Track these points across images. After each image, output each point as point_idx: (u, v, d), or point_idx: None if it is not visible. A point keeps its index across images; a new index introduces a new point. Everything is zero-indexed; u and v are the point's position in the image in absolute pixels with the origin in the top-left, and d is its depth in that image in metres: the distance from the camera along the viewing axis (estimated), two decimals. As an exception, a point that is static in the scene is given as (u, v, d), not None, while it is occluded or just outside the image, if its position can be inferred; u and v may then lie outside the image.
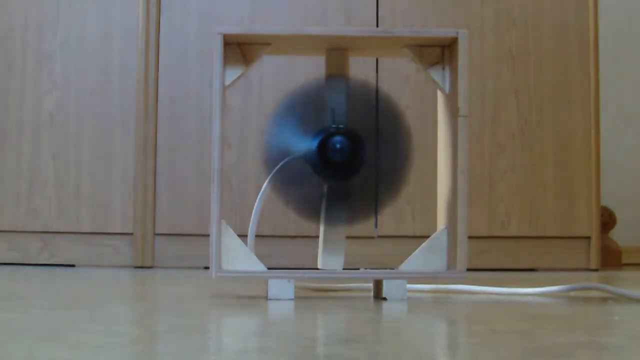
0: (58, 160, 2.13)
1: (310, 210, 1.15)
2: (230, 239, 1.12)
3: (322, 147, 1.12)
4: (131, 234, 2.13)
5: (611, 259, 2.53)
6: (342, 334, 0.74)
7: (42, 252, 2.13)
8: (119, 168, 2.13)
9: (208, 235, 2.12)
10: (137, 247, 2.12)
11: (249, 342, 0.67)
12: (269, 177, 1.14)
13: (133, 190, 2.13)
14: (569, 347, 0.66)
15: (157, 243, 2.13)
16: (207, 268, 2.10)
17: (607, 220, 2.57)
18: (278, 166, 1.14)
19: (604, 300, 1.14)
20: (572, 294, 1.25)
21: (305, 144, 1.13)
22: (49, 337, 0.69)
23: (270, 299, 1.10)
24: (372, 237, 2.15)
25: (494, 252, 2.17)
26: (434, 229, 2.11)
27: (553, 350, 0.63)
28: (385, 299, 1.13)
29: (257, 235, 2.11)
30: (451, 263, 1.14)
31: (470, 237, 2.15)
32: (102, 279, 1.56)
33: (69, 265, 2.12)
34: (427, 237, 2.08)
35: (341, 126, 1.13)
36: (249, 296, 1.16)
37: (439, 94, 1.21)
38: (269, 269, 1.13)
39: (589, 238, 2.18)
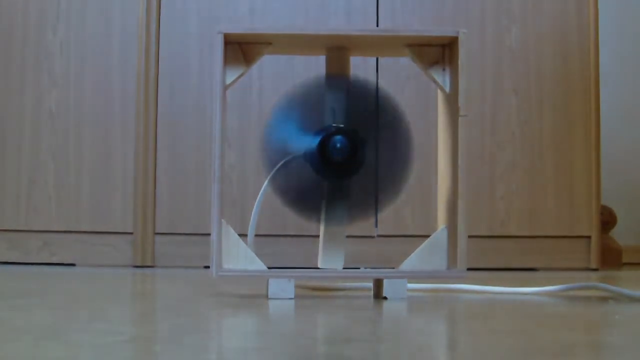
0: (58, 160, 2.13)
1: (310, 210, 1.15)
2: (231, 238, 1.12)
3: (323, 146, 1.12)
4: (131, 233, 2.13)
5: (611, 258, 2.53)
6: (343, 333, 0.74)
7: (42, 251, 2.13)
8: (119, 167, 2.14)
9: (208, 235, 2.12)
10: (137, 247, 2.12)
11: (249, 342, 0.67)
12: (269, 177, 1.14)
13: (133, 189, 2.13)
14: (569, 346, 0.66)
15: (157, 242, 2.13)
16: (207, 267, 2.10)
17: (608, 219, 2.57)
18: (278, 165, 1.14)
19: (605, 299, 1.14)
20: (572, 293, 1.25)
21: (305, 143, 1.13)
22: (49, 336, 0.69)
23: (271, 298, 1.10)
24: (372, 237, 2.15)
25: (494, 251, 2.17)
26: (434, 228, 2.11)
27: (553, 350, 0.63)
28: (385, 298, 1.13)
29: (257, 235, 2.11)
30: (451, 262, 1.14)
31: (470, 237, 2.15)
32: (102, 278, 1.56)
33: (69, 265, 2.12)
34: (427, 236, 2.08)
35: (341, 125, 1.13)
36: (249, 295, 1.16)
37: (439, 93, 1.21)
38: (269, 268, 1.13)
39: (589, 237, 2.18)
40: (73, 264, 2.13)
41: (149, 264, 2.12)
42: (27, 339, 0.66)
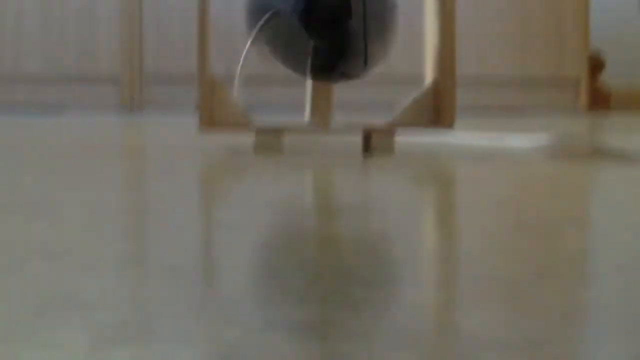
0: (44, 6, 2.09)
1: (298, 65, 1.14)
2: (218, 91, 1.11)
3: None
4: (118, 78, 2.11)
5: (600, 101, 2.53)
6: (330, 201, 0.74)
7: (30, 95, 2.12)
8: (104, 11, 2.10)
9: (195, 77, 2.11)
10: (125, 90, 2.11)
11: (233, 214, 0.67)
12: (254, 32, 1.12)
13: (119, 31, 2.10)
14: (555, 223, 0.66)
15: (145, 86, 2.12)
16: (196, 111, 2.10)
17: (596, 62, 2.56)
18: (263, 20, 1.11)
19: (591, 156, 1.15)
20: (562, 144, 1.25)
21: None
22: (39, 213, 0.69)
23: (258, 153, 1.10)
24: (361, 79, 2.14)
25: (485, 92, 2.17)
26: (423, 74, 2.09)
27: (538, 226, 0.64)
28: (373, 153, 1.13)
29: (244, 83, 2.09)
30: (440, 115, 1.14)
31: (461, 79, 2.14)
32: (89, 129, 1.55)
33: (58, 107, 2.11)
34: (416, 83, 2.07)
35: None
36: (236, 150, 1.16)
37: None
38: (256, 121, 1.12)
39: (577, 79, 2.18)
40: (61, 108, 2.12)
41: (137, 108, 2.12)
42: (14, 216, 0.66)
